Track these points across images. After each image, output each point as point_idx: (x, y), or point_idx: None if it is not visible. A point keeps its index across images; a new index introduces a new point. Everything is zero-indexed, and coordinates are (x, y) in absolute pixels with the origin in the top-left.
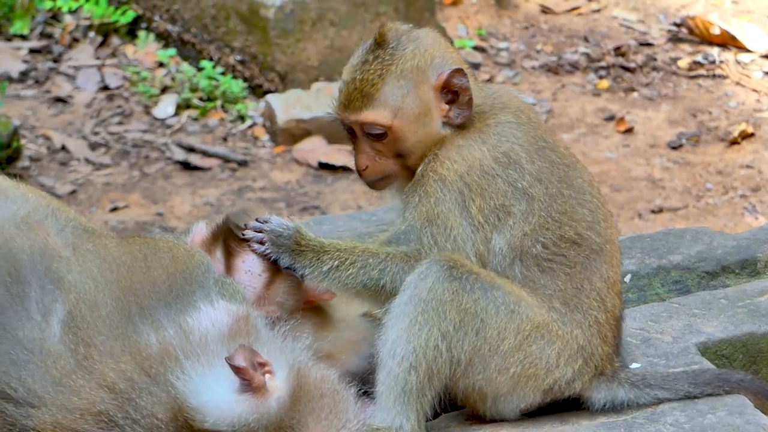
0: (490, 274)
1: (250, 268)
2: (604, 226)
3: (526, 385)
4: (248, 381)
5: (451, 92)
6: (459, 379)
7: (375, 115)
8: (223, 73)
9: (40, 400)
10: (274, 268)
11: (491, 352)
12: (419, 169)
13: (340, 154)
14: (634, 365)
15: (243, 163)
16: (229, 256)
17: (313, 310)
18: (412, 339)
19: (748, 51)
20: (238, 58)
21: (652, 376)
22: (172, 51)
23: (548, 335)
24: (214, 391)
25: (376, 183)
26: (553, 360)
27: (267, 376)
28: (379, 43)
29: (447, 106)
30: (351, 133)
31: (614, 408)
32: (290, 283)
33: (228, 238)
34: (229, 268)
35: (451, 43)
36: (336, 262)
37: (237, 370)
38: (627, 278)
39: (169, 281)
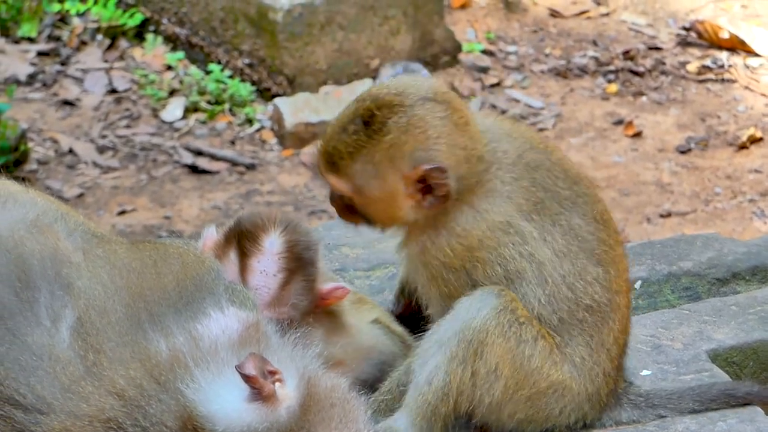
0: (532, 323)
1: (264, 268)
2: (614, 275)
3: (529, 426)
4: (258, 390)
5: (427, 184)
6: (475, 411)
7: (338, 183)
8: (231, 77)
9: (49, 406)
10: (289, 268)
11: (508, 398)
12: (414, 247)
13: None
14: (644, 372)
15: (251, 167)
16: (243, 256)
17: (324, 314)
18: (450, 374)
19: (757, 55)
20: (247, 61)
21: (656, 394)
22: (180, 54)
23: (561, 391)
24: (223, 399)
25: (350, 222)
26: (558, 411)
27: (277, 384)
28: (366, 121)
29: (420, 195)
30: None
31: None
32: (304, 283)
33: (242, 238)
34: (243, 268)
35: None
36: None
37: (247, 378)
38: (637, 285)
39: (179, 288)
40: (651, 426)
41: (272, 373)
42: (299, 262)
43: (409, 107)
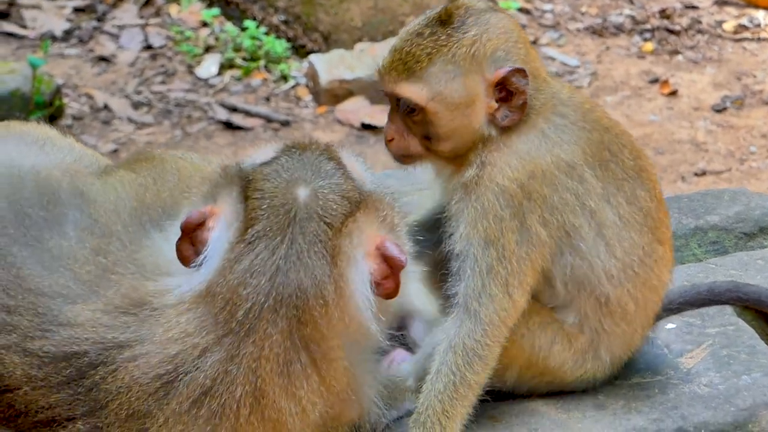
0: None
1: None
2: (670, 258)
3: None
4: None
5: (506, 90)
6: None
7: (411, 92)
8: (266, 33)
9: (71, 295)
10: None
11: (524, 382)
12: (470, 171)
13: (383, 115)
14: (669, 326)
15: (285, 123)
16: None
17: None
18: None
19: None
20: (282, 18)
21: None
22: (215, 11)
23: (583, 378)
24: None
25: (401, 158)
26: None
27: None
28: (443, 20)
29: (496, 104)
30: (389, 99)
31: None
32: None
33: None
34: None
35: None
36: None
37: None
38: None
39: (174, 200)
40: (675, 378)
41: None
42: None
43: (484, 10)
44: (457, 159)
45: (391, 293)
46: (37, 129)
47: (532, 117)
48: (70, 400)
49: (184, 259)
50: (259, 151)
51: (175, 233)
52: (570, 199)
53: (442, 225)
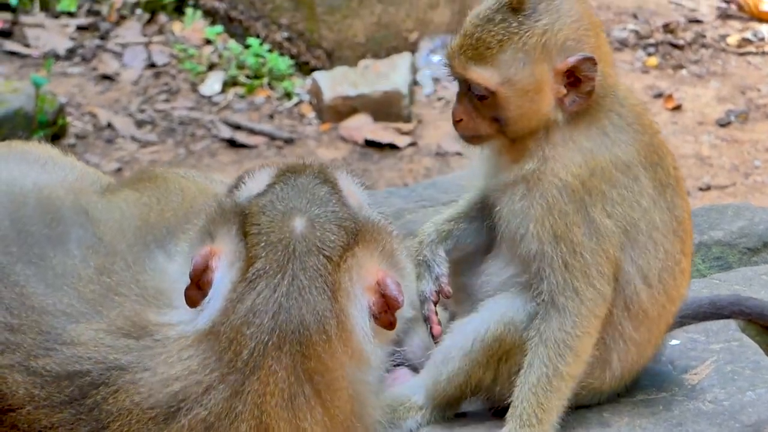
0: None
1: None
2: (688, 274)
3: None
4: None
5: (575, 77)
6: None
7: (482, 77)
8: (270, 51)
9: (75, 314)
10: None
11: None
12: (531, 165)
13: (387, 132)
14: (673, 342)
15: (289, 141)
16: None
17: None
18: (471, 375)
19: None
20: (285, 35)
21: None
22: (219, 28)
23: (592, 389)
24: None
25: (468, 138)
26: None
27: None
28: (514, 7)
29: (565, 90)
30: (458, 81)
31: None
32: None
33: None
34: None
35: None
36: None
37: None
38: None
39: (177, 220)
40: (680, 395)
41: None
42: None
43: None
44: (519, 144)
45: (389, 326)
46: (38, 148)
47: (594, 111)
48: (72, 420)
49: (192, 303)
50: (254, 178)
51: (179, 254)
52: (627, 195)
53: (488, 215)
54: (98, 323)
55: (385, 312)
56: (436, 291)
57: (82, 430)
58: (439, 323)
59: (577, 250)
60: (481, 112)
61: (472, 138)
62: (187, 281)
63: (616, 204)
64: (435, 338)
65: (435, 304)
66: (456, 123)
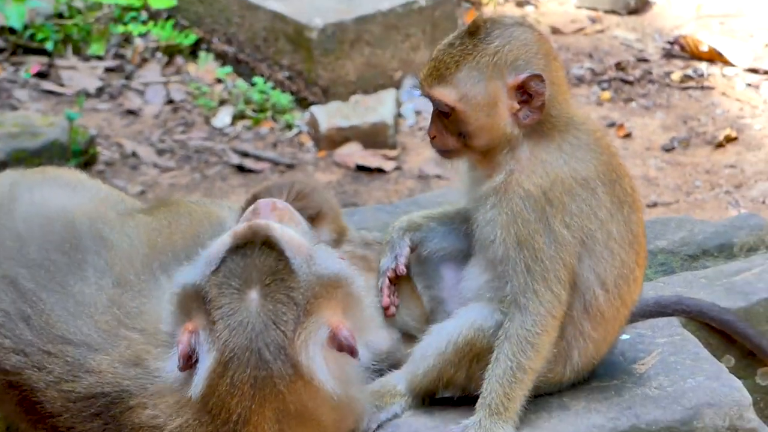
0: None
1: None
2: (641, 284)
3: None
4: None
5: (526, 93)
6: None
7: (442, 94)
8: (273, 88)
9: (94, 343)
10: None
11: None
12: (499, 177)
13: (375, 158)
14: (624, 336)
15: (290, 166)
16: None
17: None
18: (444, 373)
19: (732, 65)
20: (286, 74)
21: None
22: (228, 69)
23: (554, 381)
24: None
25: (441, 152)
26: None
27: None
28: (471, 32)
29: (518, 105)
30: (431, 102)
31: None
32: None
33: (255, 201)
34: None
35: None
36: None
37: None
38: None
39: (185, 241)
40: (629, 382)
41: None
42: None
43: (511, 25)
44: (488, 158)
45: (353, 355)
46: (68, 173)
47: (550, 130)
48: (101, 428)
49: (184, 369)
50: (209, 251)
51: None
52: (585, 208)
53: (468, 226)
54: (111, 355)
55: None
56: (392, 268)
57: None
58: (390, 297)
59: (538, 256)
60: (448, 129)
61: (444, 152)
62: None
63: (574, 215)
64: (385, 310)
65: (390, 280)
66: (431, 140)
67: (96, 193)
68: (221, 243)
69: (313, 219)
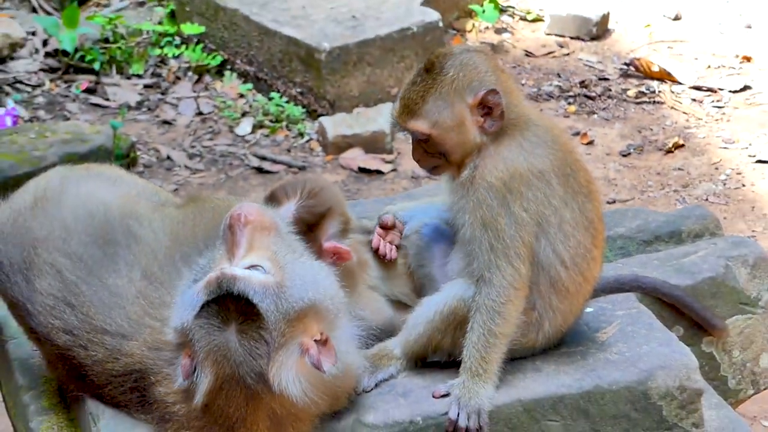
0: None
1: None
2: (600, 264)
3: None
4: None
5: (486, 107)
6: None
7: (417, 126)
8: (287, 102)
9: (127, 333)
10: (299, 224)
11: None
12: (466, 172)
13: (375, 161)
14: (588, 309)
15: (302, 168)
16: None
17: (345, 273)
18: (433, 340)
19: (679, 83)
20: (299, 90)
21: None
22: (249, 85)
23: (530, 346)
24: None
25: (429, 170)
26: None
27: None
28: (427, 68)
29: (482, 119)
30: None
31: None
32: (305, 240)
33: (273, 198)
34: None
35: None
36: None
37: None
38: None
39: (206, 232)
40: (593, 348)
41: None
42: (302, 225)
43: (459, 53)
44: (464, 163)
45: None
46: (110, 169)
47: (511, 130)
48: (138, 400)
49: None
50: (190, 296)
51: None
52: (540, 196)
53: (452, 223)
54: (139, 340)
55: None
56: (380, 222)
57: (147, 406)
58: (382, 244)
59: (499, 236)
60: (429, 151)
61: (431, 170)
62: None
63: (530, 201)
64: (382, 257)
65: (381, 227)
66: (417, 162)
67: (133, 186)
68: (199, 290)
69: (324, 214)
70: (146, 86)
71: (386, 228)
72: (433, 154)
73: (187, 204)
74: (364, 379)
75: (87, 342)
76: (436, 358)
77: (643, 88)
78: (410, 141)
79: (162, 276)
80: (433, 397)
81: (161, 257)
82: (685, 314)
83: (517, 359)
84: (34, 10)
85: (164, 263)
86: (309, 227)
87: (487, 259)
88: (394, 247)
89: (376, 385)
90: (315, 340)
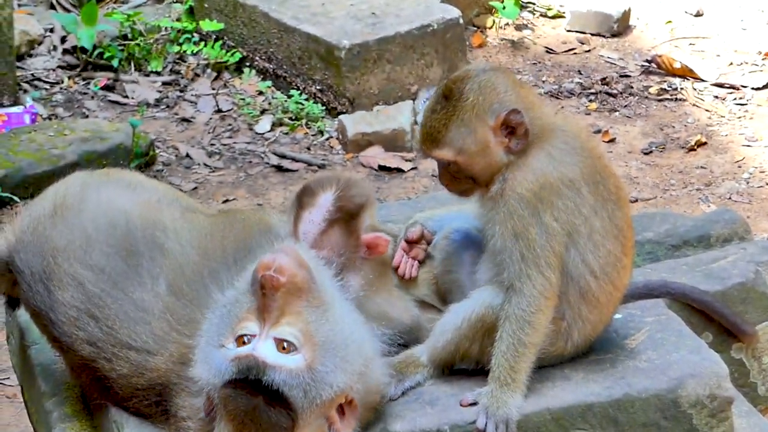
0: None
1: (312, 218)
2: (629, 271)
3: None
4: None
5: (509, 127)
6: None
7: (442, 154)
8: (306, 99)
9: (153, 349)
10: (332, 219)
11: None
12: (495, 186)
13: (395, 159)
14: (617, 316)
15: (322, 166)
16: (300, 209)
17: (372, 267)
18: (461, 347)
19: (702, 80)
20: (318, 87)
21: None
22: (268, 83)
23: (558, 355)
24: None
25: (459, 194)
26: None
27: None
28: (446, 95)
29: (506, 139)
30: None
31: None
32: (342, 232)
33: (303, 195)
34: (297, 218)
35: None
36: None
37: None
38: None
39: (236, 246)
40: (622, 356)
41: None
42: (343, 213)
43: (476, 76)
44: (492, 181)
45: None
46: (129, 175)
47: (538, 141)
48: (161, 412)
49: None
50: (219, 357)
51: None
52: (570, 205)
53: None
54: (165, 357)
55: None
56: (406, 236)
57: (171, 418)
58: (403, 260)
59: (531, 245)
60: (456, 176)
61: (461, 192)
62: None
63: (561, 211)
64: (401, 275)
65: (407, 242)
66: (446, 187)
67: (153, 193)
68: (228, 361)
69: (362, 205)
70: (165, 83)
71: (412, 242)
72: (460, 179)
73: (216, 216)
74: (390, 387)
75: (111, 355)
76: (464, 365)
77: (664, 85)
78: (437, 166)
79: (190, 292)
80: (461, 405)
81: (189, 272)
82: (714, 320)
83: (545, 367)
84: (52, 7)
85: (192, 278)
86: (346, 219)
87: (518, 269)
88: (416, 264)
89: (403, 394)
90: (340, 405)
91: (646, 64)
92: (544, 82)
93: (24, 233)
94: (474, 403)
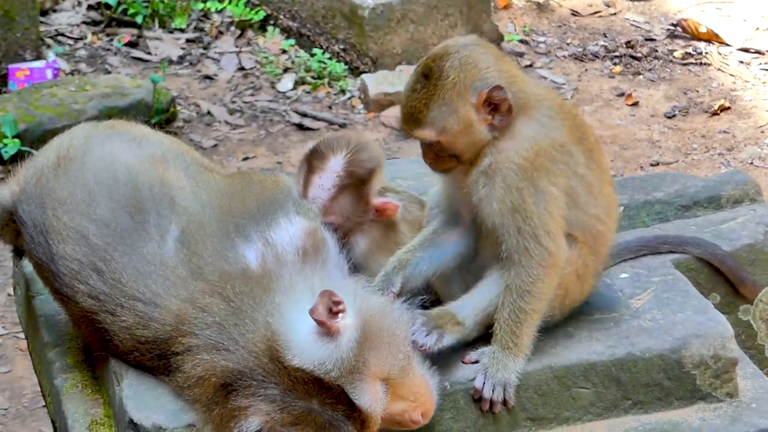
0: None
1: (323, 183)
2: (614, 197)
3: None
4: (326, 329)
5: (492, 104)
6: None
7: (424, 134)
8: (329, 58)
9: (162, 300)
10: (343, 184)
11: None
12: (487, 159)
13: None
14: (623, 275)
15: (343, 125)
16: (309, 173)
17: (380, 230)
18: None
19: (727, 45)
20: (341, 46)
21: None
22: (292, 41)
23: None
24: (298, 333)
25: (441, 171)
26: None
27: (340, 315)
28: (426, 74)
29: (489, 116)
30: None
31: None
32: (353, 197)
33: (313, 157)
34: (307, 182)
35: (500, 42)
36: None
37: (318, 322)
38: (620, 209)
39: (258, 205)
40: (627, 315)
41: (337, 302)
42: (353, 179)
43: (456, 52)
44: (477, 158)
45: None
46: (135, 128)
47: (524, 112)
48: (162, 367)
49: None
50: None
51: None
52: (564, 168)
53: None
54: (176, 307)
55: None
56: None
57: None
58: None
59: (527, 217)
60: (440, 155)
61: (444, 170)
62: None
63: (557, 176)
64: None
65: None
66: (429, 165)
67: (158, 147)
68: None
69: (373, 169)
70: (188, 41)
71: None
72: (444, 157)
73: (231, 176)
74: (424, 337)
75: (116, 307)
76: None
77: (689, 50)
78: (420, 145)
79: (215, 244)
80: (462, 362)
81: (210, 229)
82: (722, 280)
83: (547, 328)
84: None
85: (215, 232)
86: (356, 184)
87: (515, 242)
88: None
89: (438, 352)
90: None
91: (672, 27)
92: (568, 44)
93: (27, 184)
94: (476, 362)
